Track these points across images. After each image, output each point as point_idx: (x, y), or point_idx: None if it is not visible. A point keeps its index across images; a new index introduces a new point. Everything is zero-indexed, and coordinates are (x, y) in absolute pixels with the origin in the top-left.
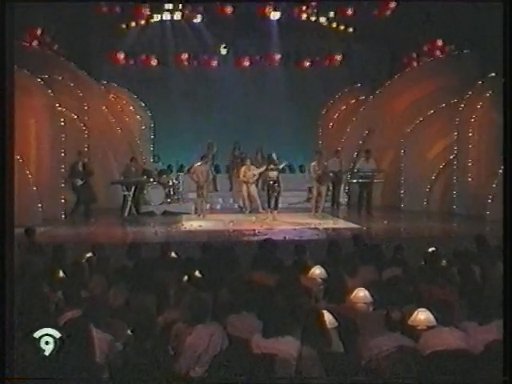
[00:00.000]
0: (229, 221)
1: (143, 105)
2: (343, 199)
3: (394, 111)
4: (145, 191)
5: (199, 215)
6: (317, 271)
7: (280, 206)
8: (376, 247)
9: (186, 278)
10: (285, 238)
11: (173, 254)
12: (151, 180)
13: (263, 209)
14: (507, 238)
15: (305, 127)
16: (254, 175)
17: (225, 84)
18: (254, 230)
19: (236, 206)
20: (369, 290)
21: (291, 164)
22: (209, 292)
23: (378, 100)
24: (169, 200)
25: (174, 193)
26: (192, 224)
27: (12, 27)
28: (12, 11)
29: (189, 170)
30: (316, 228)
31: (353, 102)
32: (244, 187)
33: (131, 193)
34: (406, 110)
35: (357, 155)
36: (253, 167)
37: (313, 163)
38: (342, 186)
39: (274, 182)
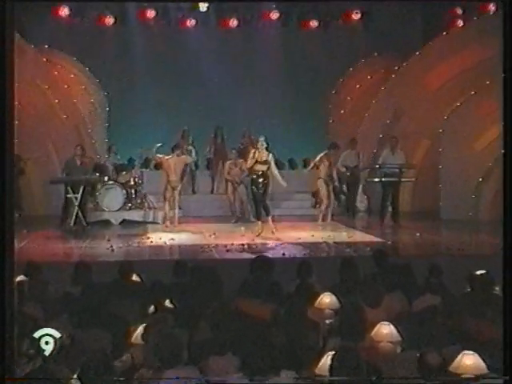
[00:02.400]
0: (210, 232)
1: (96, 79)
2: (361, 204)
3: (429, 87)
4: (97, 193)
5: (169, 225)
6: (326, 299)
7: (275, 210)
8: (405, 268)
9: (152, 308)
10: (284, 255)
11: (134, 277)
12: (106, 178)
13: (255, 217)
14: (507, 240)
15: (311, 109)
16: (243, 171)
17: (205, 52)
18: (244, 244)
19: (219, 212)
20: (396, 325)
21: (292, 158)
22: (182, 327)
23: (409, 72)
24: (129, 205)
25: (137, 195)
26: (161, 237)
27: (12, 26)
28: (12, 10)
29: (156, 166)
30: (325, 242)
31: (375, 75)
32: (230, 188)
33: (79, 195)
34: (446, 86)
35: (379, 146)
36: (241, 161)
37: (320, 156)
38: (360, 186)
39: (260, 177)
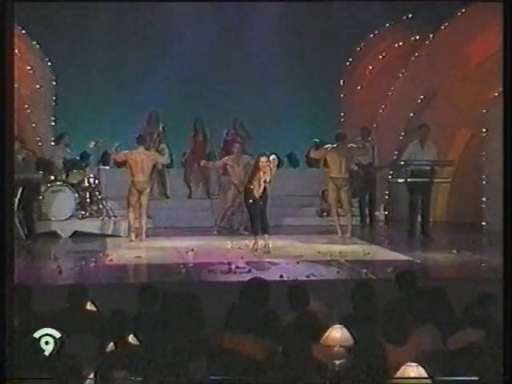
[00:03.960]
0: (187, 248)
1: (39, 47)
2: (380, 212)
3: (469, 62)
4: (40, 197)
5: (135, 239)
6: (336, 334)
7: (271, 219)
8: (439, 295)
9: (111, 345)
10: (282, 277)
11: (89, 306)
12: (52, 178)
13: (246, 229)
14: (507, 242)
15: (316, 91)
16: (247, 172)
17: (183, 19)
18: (230, 263)
19: (199, 222)
20: (426, 368)
21: (293, 153)
22: (151, 368)
23: (443, 42)
24: (83, 213)
25: (92, 200)
26: (123, 254)
27: (12, 26)
28: (12, 10)
29: (117, 163)
30: (335, 261)
31: (399, 45)
32: (230, 191)
33: (16, 199)
34: (491, 60)
35: (404, 137)
36: (246, 157)
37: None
38: (377, 189)
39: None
